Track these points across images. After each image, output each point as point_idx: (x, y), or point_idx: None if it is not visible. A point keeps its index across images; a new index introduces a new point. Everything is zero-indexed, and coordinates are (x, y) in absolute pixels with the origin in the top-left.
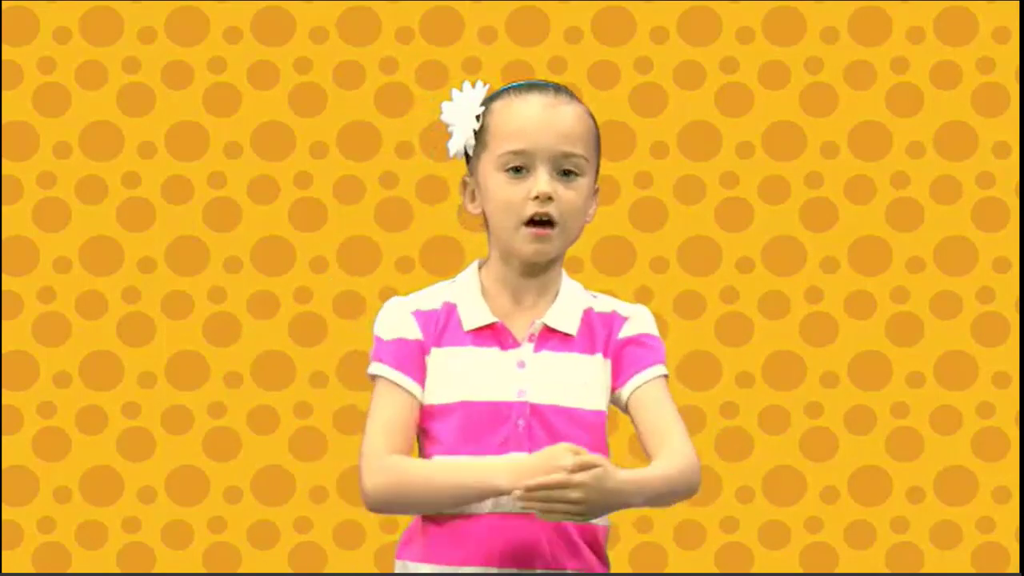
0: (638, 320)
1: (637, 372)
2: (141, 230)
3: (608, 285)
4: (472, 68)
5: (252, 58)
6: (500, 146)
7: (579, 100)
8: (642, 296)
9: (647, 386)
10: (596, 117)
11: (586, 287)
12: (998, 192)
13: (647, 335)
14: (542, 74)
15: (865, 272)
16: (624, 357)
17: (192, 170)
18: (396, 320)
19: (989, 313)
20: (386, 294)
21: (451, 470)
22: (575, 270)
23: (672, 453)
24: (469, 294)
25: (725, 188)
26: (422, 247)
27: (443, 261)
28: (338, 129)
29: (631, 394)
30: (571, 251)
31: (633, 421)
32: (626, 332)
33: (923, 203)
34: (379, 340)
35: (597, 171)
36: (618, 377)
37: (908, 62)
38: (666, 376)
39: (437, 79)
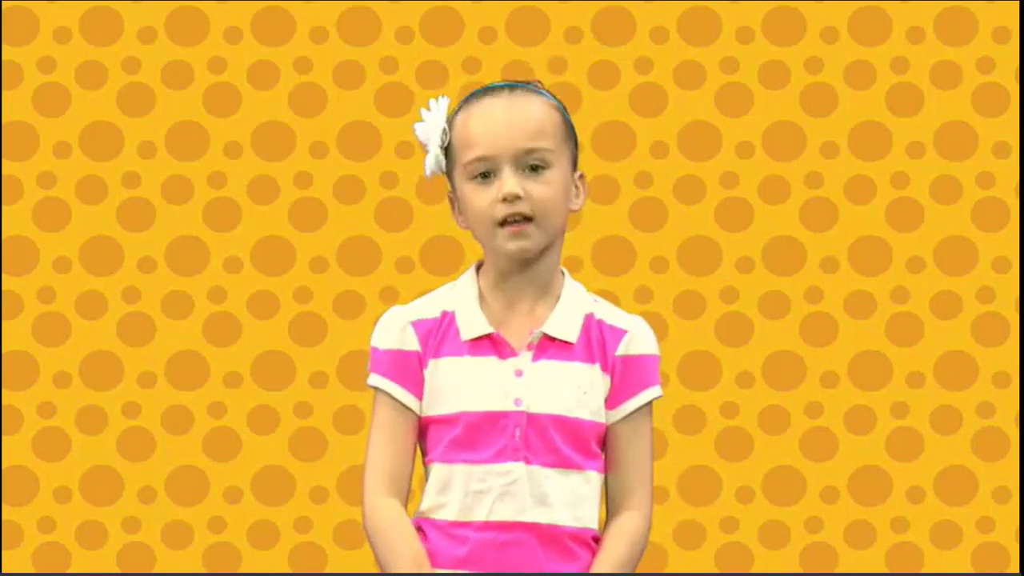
0: (637, 337)
1: (628, 399)
2: (141, 230)
3: (608, 285)
4: (472, 68)
5: (252, 58)
6: (464, 156)
7: (541, 92)
8: (642, 296)
9: (632, 418)
10: (596, 117)
11: (586, 287)
12: (998, 192)
13: (644, 355)
14: (542, 74)
15: (865, 272)
16: (618, 378)
17: (192, 170)
18: (394, 331)
19: (989, 313)
20: (386, 294)
21: (397, 560)
22: (575, 270)
23: (623, 532)
24: (466, 301)
25: (725, 188)
26: (422, 247)
27: (443, 261)
28: (338, 129)
29: (616, 422)
30: (571, 251)
31: (607, 448)
32: (624, 350)
33: (923, 203)
34: (376, 351)
35: (575, 159)
36: (610, 398)
37: (908, 62)
38: (658, 396)
39: (437, 79)
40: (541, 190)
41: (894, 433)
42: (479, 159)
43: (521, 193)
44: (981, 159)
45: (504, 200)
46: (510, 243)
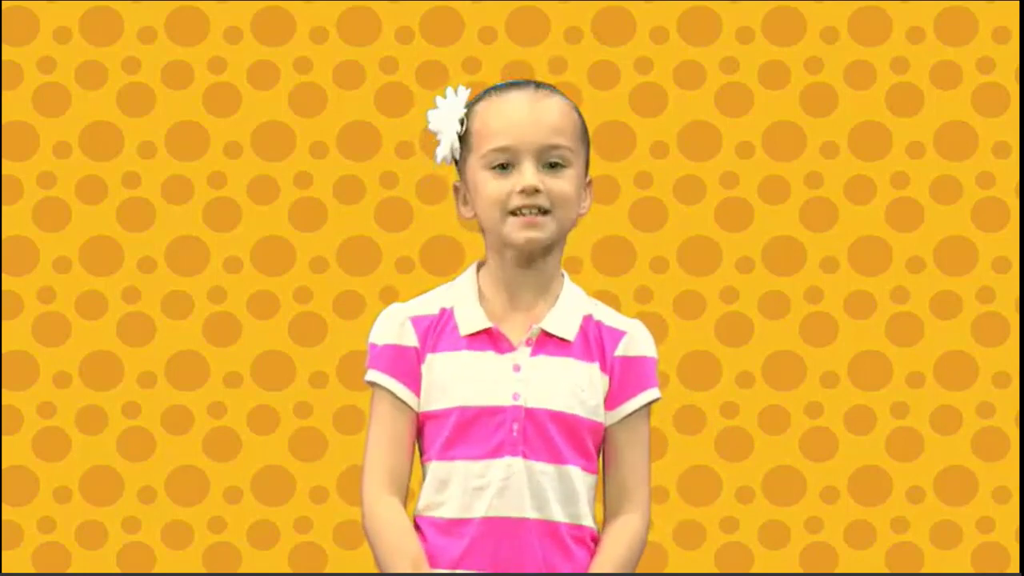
0: (636, 339)
1: (627, 400)
2: (141, 230)
3: (608, 285)
4: (472, 68)
5: (252, 58)
6: (484, 145)
7: (562, 95)
8: (642, 296)
9: (630, 420)
10: (596, 117)
11: (586, 287)
12: (998, 192)
13: (643, 357)
14: (542, 74)
15: (865, 272)
16: (617, 379)
17: (192, 170)
18: (392, 327)
19: (989, 313)
20: (386, 294)
21: (395, 559)
22: (575, 270)
23: (623, 533)
24: (465, 298)
25: (725, 188)
26: (422, 247)
27: (443, 261)
28: (338, 129)
29: (614, 424)
30: (571, 251)
31: (605, 450)
32: (622, 351)
33: (923, 203)
34: (373, 346)
35: (587, 164)
36: (608, 399)
37: (908, 62)
38: (656, 399)
39: (437, 79)
40: (559, 185)
41: (894, 433)
42: (501, 149)
43: (540, 187)
44: (981, 159)
45: (522, 192)
46: (521, 232)
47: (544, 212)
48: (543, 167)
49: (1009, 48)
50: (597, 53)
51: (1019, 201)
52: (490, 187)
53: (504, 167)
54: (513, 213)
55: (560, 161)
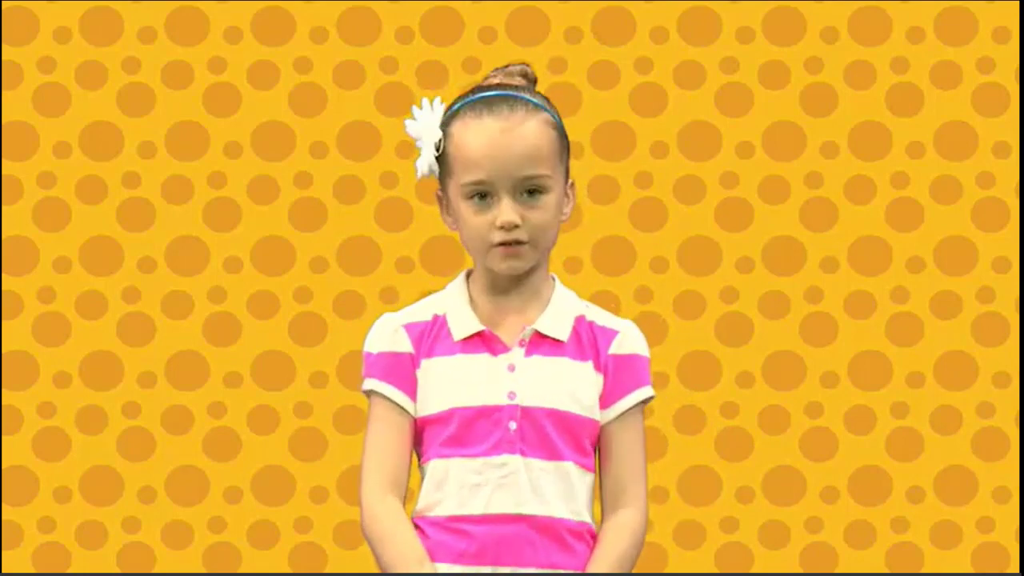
0: (628, 337)
1: (621, 397)
2: (141, 230)
3: (608, 285)
4: (472, 68)
5: (252, 58)
6: (461, 176)
7: (538, 106)
8: (642, 296)
9: (624, 417)
10: (596, 117)
11: (586, 287)
12: (998, 192)
13: (635, 355)
14: (541, 74)
15: (865, 272)
16: (611, 377)
17: (192, 170)
18: (386, 334)
19: (989, 313)
20: (386, 294)
21: (398, 558)
22: (575, 270)
23: (622, 528)
24: (457, 305)
25: (725, 188)
26: (422, 247)
27: (443, 261)
28: (338, 129)
29: (609, 422)
30: (571, 251)
31: (601, 447)
32: (615, 349)
33: (923, 203)
34: (368, 355)
35: (568, 171)
36: (603, 397)
37: (908, 62)
38: (650, 397)
39: (437, 79)
40: (537, 216)
41: (894, 433)
42: (477, 183)
43: (519, 222)
44: (981, 159)
45: (501, 227)
46: (503, 262)
47: (523, 243)
48: (521, 195)
49: (1009, 48)
50: (597, 53)
51: (1019, 201)
52: (470, 219)
53: (483, 196)
54: (495, 246)
55: (538, 188)
